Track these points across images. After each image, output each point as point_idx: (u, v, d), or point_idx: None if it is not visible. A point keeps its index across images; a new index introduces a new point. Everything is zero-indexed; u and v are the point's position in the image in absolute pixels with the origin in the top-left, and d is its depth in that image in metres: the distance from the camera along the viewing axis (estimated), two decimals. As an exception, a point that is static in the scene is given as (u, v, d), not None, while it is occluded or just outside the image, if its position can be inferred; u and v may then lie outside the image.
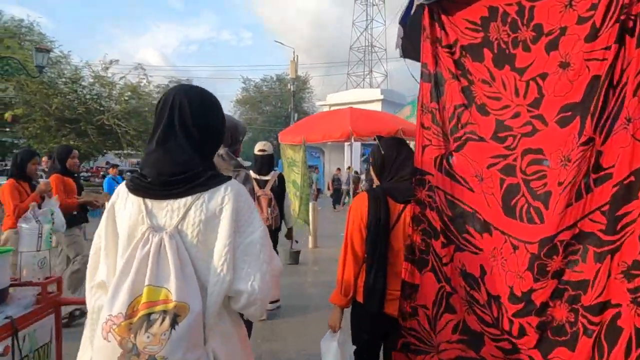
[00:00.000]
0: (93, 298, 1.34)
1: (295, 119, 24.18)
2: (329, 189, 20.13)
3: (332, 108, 20.81)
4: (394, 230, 2.09)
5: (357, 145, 19.85)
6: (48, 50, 13.46)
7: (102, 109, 20.71)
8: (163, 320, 1.16)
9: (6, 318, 1.82)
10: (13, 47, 17.28)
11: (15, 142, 23.06)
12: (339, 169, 19.52)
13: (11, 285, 2.04)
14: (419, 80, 2.22)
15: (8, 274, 1.99)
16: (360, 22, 49.79)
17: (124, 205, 1.32)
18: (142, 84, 22.55)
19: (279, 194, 4.66)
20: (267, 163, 4.59)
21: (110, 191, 9.62)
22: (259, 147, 4.61)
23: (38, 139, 19.56)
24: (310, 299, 5.36)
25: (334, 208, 17.20)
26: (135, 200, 1.30)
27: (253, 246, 1.30)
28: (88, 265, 1.39)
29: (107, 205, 1.37)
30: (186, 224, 1.27)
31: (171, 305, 1.18)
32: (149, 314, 1.17)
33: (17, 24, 21.79)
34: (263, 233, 1.34)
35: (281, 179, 4.76)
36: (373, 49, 48.93)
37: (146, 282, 1.20)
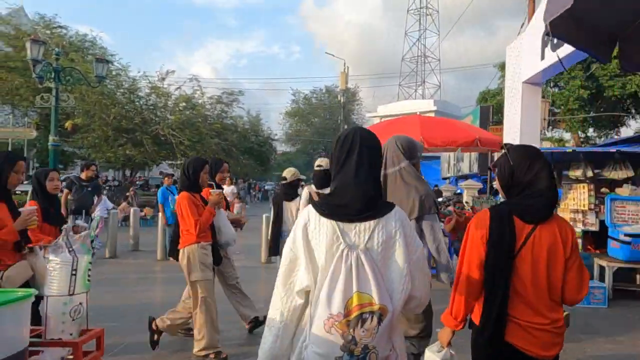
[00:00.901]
0: (289, 300, 1.63)
1: (345, 130, 23.58)
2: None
3: (383, 119, 19.95)
4: (521, 254, 1.88)
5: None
6: (107, 61, 13.64)
7: (157, 119, 21.06)
8: (372, 319, 1.51)
9: (16, 405, 1.18)
10: (77, 60, 17.79)
11: (76, 151, 23.79)
12: None
13: (32, 346, 1.41)
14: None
15: (25, 330, 1.36)
16: (413, 33, 48.81)
17: (317, 226, 1.60)
18: (196, 95, 22.86)
19: None
20: (323, 177, 5.00)
21: (165, 201, 9.27)
22: (317, 163, 5.01)
23: (96, 148, 20.05)
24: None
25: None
26: (328, 223, 1.59)
27: (420, 262, 1.67)
28: (280, 273, 1.66)
29: (299, 225, 1.63)
30: (372, 243, 1.58)
31: (376, 307, 1.52)
32: (361, 314, 1.51)
33: (81, 38, 22.61)
34: (422, 249, 1.71)
35: None
36: (426, 60, 47.73)
37: (354, 289, 1.52)
